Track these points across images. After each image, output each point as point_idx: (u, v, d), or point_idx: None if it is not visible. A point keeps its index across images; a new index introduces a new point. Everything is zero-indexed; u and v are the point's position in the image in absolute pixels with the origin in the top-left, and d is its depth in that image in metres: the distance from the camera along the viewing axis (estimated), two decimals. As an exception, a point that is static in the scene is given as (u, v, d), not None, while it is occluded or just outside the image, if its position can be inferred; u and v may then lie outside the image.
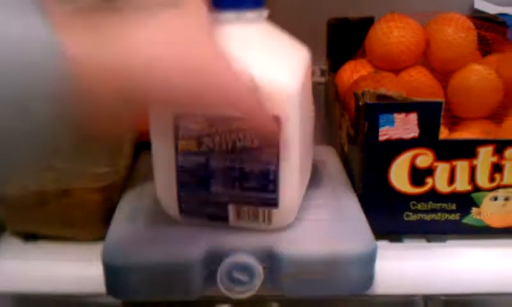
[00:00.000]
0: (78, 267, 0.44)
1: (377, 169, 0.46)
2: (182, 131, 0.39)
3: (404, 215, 0.47)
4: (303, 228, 0.42)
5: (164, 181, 0.42)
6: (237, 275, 0.40)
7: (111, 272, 0.40)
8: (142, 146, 0.52)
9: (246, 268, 0.40)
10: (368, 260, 0.41)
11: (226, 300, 0.42)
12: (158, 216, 0.44)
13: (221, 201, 0.41)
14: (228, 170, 0.39)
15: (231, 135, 0.38)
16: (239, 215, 0.41)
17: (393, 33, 0.57)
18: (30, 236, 0.47)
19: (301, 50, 0.42)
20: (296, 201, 0.42)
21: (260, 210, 0.41)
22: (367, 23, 0.62)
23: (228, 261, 0.40)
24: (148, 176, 0.49)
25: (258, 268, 0.40)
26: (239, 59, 0.32)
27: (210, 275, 0.41)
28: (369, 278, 0.42)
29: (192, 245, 0.40)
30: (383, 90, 0.45)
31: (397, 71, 0.58)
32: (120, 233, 0.42)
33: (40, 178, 0.43)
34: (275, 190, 0.40)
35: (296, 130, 0.38)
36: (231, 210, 0.41)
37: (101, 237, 0.44)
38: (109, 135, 0.33)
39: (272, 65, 0.38)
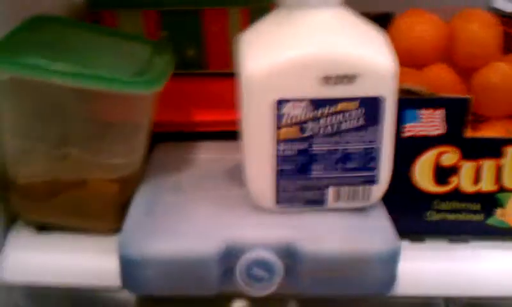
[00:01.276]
0: (92, 259, 0.43)
1: (400, 166, 0.44)
2: (284, 118, 0.39)
3: (427, 214, 0.46)
4: (325, 225, 0.41)
5: (258, 172, 0.41)
6: (256, 271, 0.39)
7: (127, 265, 0.39)
8: (157, 137, 0.51)
9: (265, 265, 0.39)
10: (391, 260, 0.40)
11: (244, 296, 0.41)
12: (175, 209, 0.42)
13: (321, 185, 0.41)
14: (331, 152, 0.40)
15: (335, 116, 0.39)
16: (338, 196, 0.42)
17: (416, 28, 0.55)
18: (43, 227, 0.45)
19: (380, 31, 0.42)
20: (390, 175, 0.42)
21: (360, 188, 0.41)
22: (386, 18, 0.61)
23: (247, 257, 0.39)
24: (166, 167, 0.48)
25: (279, 265, 0.39)
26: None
27: (228, 271, 0.39)
28: (391, 278, 0.40)
29: (210, 239, 0.39)
30: (408, 85, 0.44)
31: (418, 67, 0.56)
32: (136, 225, 0.41)
33: (55, 167, 0.42)
34: (376, 167, 0.41)
35: (393, 108, 0.40)
36: (330, 192, 0.41)
37: (116, 229, 0.43)
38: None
39: (370, 47, 0.39)
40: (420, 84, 0.50)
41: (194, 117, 0.54)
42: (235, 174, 0.45)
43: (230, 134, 0.47)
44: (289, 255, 0.39)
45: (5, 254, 0.43)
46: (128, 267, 0.39)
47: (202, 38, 0.57)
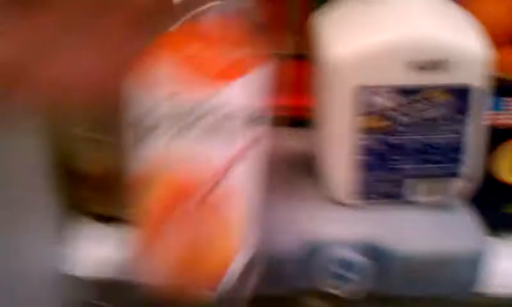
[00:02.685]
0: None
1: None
2: (368, 106, 0.37)
3: (506, 207, 0.44)
4: (409, 221, 0.39)
5: (338, 163, 0.39)
6: (340, 270, 0.37)
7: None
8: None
9: (349, 264, 0.37)
10: (479, 258, 0.38)
11: (320, 295, 0.39)
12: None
13: (404, 178, 0.39)
14: (415, 143, 0.38)
15: (420, 106, 0.37)
16: (421, 190, 0.40)
17: (487, 9, 0.53)
18: (110, 219, 0.44)
19: (470, 16, 0.39)
20: (477, 169, 0.40)
21: (445, 182, 0.39)
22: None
23: (330, 255, 0.37)
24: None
25: (365, 265, 0.37)
26: None
27: (308, 269, 0.38)
28: (479, 277, 0.38)
29: (290, 235, 0.38)
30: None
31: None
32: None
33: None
34: (462, 160, 0.39)
35: (483, 97, 0.38)
36: (411, 185, 0.39)
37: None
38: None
39: (462, 32, 0.37)
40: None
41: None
42: (307, 165, 0.43)
43: (298, 121, 0.45)
44: (375, 254, 0.37)
45: (75, 248, 0.42)
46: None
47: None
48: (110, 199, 0.43)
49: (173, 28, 0.26)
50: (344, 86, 0.37)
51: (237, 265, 0.29)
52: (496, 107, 0.41)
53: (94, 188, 0.43)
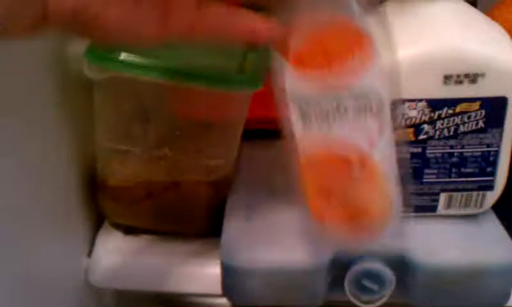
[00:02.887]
0: (182, 264, 0.41)
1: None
2: (398, 120, 0.36)
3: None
4: (437, 233, 0.39)
5: None
6: (367, 283, 0.37)
7: (231, 274, 0.37)
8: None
9: (376, 276, 0.37)
10: (510, 270, 0.37)
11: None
12: (274, 214, 0.40)
13: (433, 191, 0.39)
14: (446, 156, 0.38)
15: (454, 118, 0.36)
16: (450, 202, 0.39)
17: (506, 17, 0.52)
18: (130, 229, 0.44)
19: (498, 25, 0.39)
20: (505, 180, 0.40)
21: (475, 194, 0.39)
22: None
23: (357, 268, 0.37)
24: (257, 168, 0.46)
25: (391, 277, 0.37)
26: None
27: (335, 282, 0.37)
28: (509, 289, 0.38)
29: (318, 248, 0.37)
30: None
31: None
32: (237, 231, 0.39)
33: (149, 169, 0.40)
34: (493, 172, 0.38)
35: None
36: (442, 198, 0.39)
37: (205, 233, 0.42)
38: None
39: (495, 45, 0.36)
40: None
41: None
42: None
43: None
44: (402, 266, 0.37)
45: (95, 258, 0.42)
46: (232, 276, 0.37)
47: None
48: (132, 211, 0.42)
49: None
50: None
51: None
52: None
53: (117, 199, 0.42)
